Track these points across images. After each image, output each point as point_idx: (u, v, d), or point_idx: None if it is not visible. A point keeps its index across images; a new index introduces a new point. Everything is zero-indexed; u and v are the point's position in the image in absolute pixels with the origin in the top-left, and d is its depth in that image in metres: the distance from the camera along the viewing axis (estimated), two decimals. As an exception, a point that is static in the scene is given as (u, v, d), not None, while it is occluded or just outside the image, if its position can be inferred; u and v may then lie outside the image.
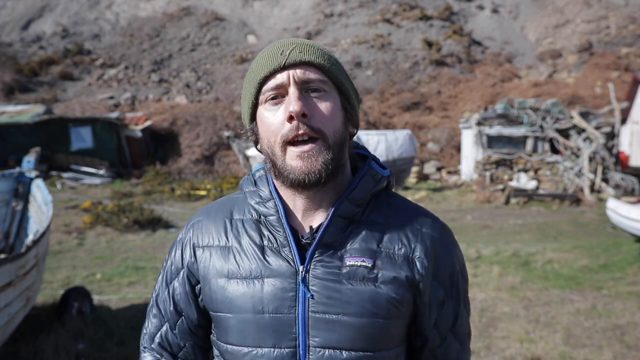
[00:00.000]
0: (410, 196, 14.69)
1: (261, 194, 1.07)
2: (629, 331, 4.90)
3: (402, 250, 1.03)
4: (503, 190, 14.90)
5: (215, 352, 1.09)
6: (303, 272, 1.00)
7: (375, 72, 29.91)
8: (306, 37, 36.45)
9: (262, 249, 1.03)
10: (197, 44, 36.04)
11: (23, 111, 20.22)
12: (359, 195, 1.04)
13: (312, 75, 0.99)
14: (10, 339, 4.23)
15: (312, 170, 0.97)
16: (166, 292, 1.14)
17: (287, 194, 1.05)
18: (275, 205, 1.04)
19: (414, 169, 18.40)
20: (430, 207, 13.65)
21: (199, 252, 1.09)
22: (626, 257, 7.80)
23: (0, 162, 16.45)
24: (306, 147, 0.97)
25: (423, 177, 19.34)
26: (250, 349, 1.01)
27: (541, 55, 33.56)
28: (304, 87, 0.99)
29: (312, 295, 0.99)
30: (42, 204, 5.65)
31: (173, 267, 1.13)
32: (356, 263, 1.01)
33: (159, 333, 1.15)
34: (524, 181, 15.32)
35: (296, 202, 1.04)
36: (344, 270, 1.00)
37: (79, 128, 19.36)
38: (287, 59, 0.98)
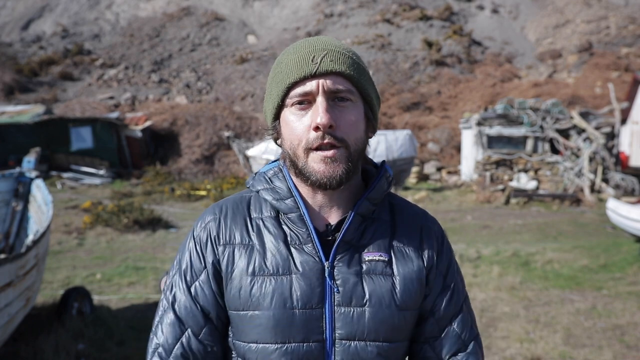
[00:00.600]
0: (410, 196, 14.70)
1: (279, 191, 1.08)
2: (629, 331, 4.90)
3: (412, 245, 1.10)
4: (503, 190, 14.90)
5: (233, 354, 1.08)
6: (329, 268, 1.04)
7: (375, 72, 29.91)
8: (306, 37, 36.42)
9: (286, 246, 1.05)
10: (197, 44, 36.05)
11: (23, 111, 20.23)
12: (376, 195, 1.09)
13: (341, 85, 1.01)
14: (10, 339, 4.23)
15: (334, 176, 1.01)
16: (188, 297, 1.07)
17: (305, 191, 1.08)
18: (296, 202, 1.06)
19: (414, 169, 18.40)
20: (430, 207, 13.65)
21: (220, 249, 1.07)
22: (626, 257, 7.80)
23: (0, 162, 16.45)
24: (330, 153, 1.00)
25: (423, 177, 19.34)
26: (279, 345, 1.02)
27: (541, 55, 33.56)
28: (332, 96, 1.01)
29: (338, 289, 1.03)
30: (42, 204, 5.65)
31: (192, 269, 1.08)
32: (374, 258, 1.07)
33: (180, 343, 1.06)
34: (524, 181, 15.32)
35: (315, 199, 1.08)
36: (365, 265, 1.06)
37: (79, 128, 19.36)
38: (318, 68, 0.99)
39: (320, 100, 0.99)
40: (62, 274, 7.14)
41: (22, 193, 6.02)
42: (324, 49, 1.01)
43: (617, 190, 14.84)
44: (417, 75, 29.81)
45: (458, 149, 20.36)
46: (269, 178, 1.11)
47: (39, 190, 5.85)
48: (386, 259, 1.07)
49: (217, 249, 1.07)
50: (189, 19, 39.10)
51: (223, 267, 1.06)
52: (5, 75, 27.00)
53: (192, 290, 1.08)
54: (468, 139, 17.88)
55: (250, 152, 16.04)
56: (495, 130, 16.55)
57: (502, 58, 33.26)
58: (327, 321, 1.03)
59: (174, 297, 1.09)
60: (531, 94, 23.37)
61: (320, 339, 1.02)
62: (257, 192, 1.11)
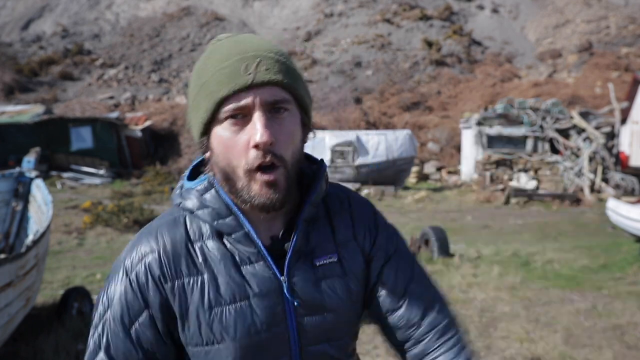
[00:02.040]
0: (410, 196, 14.70)
1: (217, 210, 0.97)
2: (629, 331, 4.90)
3: (350, 235, 1.07)
4: (503, 190, 14.90)
5: None
6: (286, 283, 0.99)
7: (375, 72, 29.92)
8: (306, 37, 36.49)
9: (237, 269, 0.98)
10: (197, 44, 36.04)
11: (23, 111, 20.23)
12: (317, 198, 1.03)
13: (277, 96, 0.92)
14: (10, 339, 4.22)
15: (277, 199, 0.94)
16: (127, 341, 0.96)
17: (243, 207, 0.98)
18: (237, 219, 0.97)
19: (414, 169, 18.41)
20: (430, 207, 13.67)
21: (168, 287, 0.96)
22: (626, 257, 7.80)
23: (0, 162, 16.45)
24: (272, 177, 0.92)
25: (423, 177, 19.34)
26: None
27: (541, 55, 33.56)
28: (268, 108, 0.92)
29: (299, 303, 0.99)
30: (42, 204, 5.65)
31: (129, 310, 0.96)
32: (325, 262, 1.03)
33: None
34: (524, 181, 15.32)
35: (254, 214, 0.98)
36: (318, 272, 1.03)
37: (79, 128, 19.37)
38: (253, 79, 0.90)
39: (257, 115, 0.90)
40: (62, 274, 7.14)
41: (22, 193, 6.02)
42: (255, 56, 0.91)
43: (617, 190, 14.84)
44: (417, 75, 29.81)
45: (458, 148, 20.37)
46: (202, 195, 0.99)
47: (39, 190, 5.85)
48: (335, 259, 1.04)
49: (164, 288, 0.96)
50: (189, 19, 39.10)
51: (176, 306, 0.96)
52: (5, 75, 27.00)
53: (132, 333, 0.96)
54: (468, 138, 17.89)
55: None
56: (495, 130, 16.56)
57: (502, 58, 33.26)
58: (292, 335, 1.00)
59: (108, 341, 0.96)
60: (531, 93, 23.38)
61: (287, 353, 1.00)
62: (191, 212, 0.99)
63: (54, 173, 18.13)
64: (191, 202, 0.99)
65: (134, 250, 1.00)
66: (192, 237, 0.99)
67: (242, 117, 0.91)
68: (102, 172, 18.44)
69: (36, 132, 18.56)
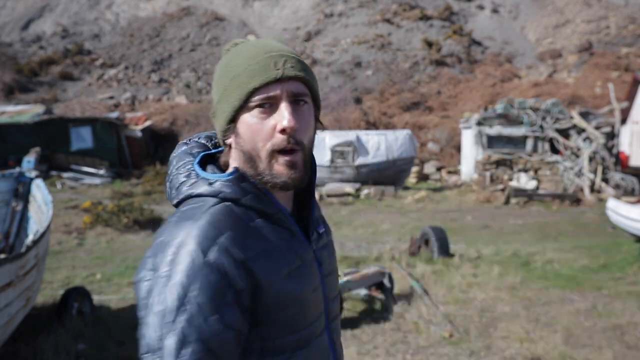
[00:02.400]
0: (410, 196, 14.70)
1: (257, 195, 1.07)
2: (629, 331, 4.90)
3: (318, 212, 1.25)
4: (503, 190, 14.90)
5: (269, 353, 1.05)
6: (314, 252, 1.16)
7: (375, 72, 29.92)
8: (306, 37, 36.50)
9: (287, 243, 1.09)
10: (197, 44, 36.04)
11: (23, 111, 20.23)
12: (315, 178, 1.19)
13: (300, 90, 1.07)
14: (10, 339, 4.22)
15: (296, 178, 1.06)
16: (219, 324, 0.94)
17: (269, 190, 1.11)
18: (271, 201, 1.09)
19: (414, 169, 18.40)
20: (430, 207, 13.66)
21: (244, 262, 0.99)
22: (626, 257, 7.80)
23: (0, 162, 16.45)
24: (293, 157, 1.05)
25: (423, 177, 19.33)
26: (310, 326, 1.11)
27: (541, 55, 33.57)
28: (292, 100, 1.05)
29: (322, 267, 1.19)
30: (42, 204, 5.65)
31: (216, 293, 0.95)
32: (322, 231, 1.22)
33: None
34: (524, 181, 15.31)
35: (275, 194, 1.10)
36: (323, 239, 1.21)
37: (79, 128, 19.36)
38: (282, 74, 1.04)
39: (285, 105, 1.04)
40: (62, 274, 7.14)
41: (22, 193, 6.02)
42: (282, 55, 1.06)
43: (617, 190, 14.84)
44: (417, 75, 29.81)
45: (458, 148, 20.36)
46: (240, 184, 1.05)
47: (39, 190, 5.86)
48: (324, 229, 1.23)
49: (242, 264, 0.99)
50: (189, 19, 39.10)
51: (262, 279, 1.01)
52: (5, 75, 27.00)
53: (223, 315, 0.95)
54: (468, 138, 17.89)
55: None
56: (495, 130, 16.55)
57: (502, 58, 33.26)
58: (324, 295, 1.17)
59: (198, 330, 0.92)
60: (531, 93, 23.38)
61: (323, 309, 1.16)
62: (234, 200, 1.04)
63: (54, 173, 18.13)
64: (233, 192, 1.04)
65: (200, 237, 0.98)
66: (246, 221, 1.05)
67: (269, 106, 1.04)
68: (102, 172, 18.44)
69: (36, 132, 18.56)
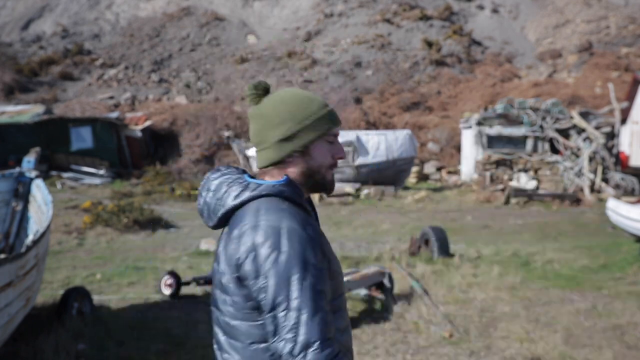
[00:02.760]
0: (410, 196, 14.70)
1: (301, 194, 1.47)
2: (629, 331, 4.90)
3: None
4: (503, 190, 14.90)
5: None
6: None
7: (375, 72, 29.91)
8: (306, 37, 36.49)
9: (322, 233, 1.47)
10: (197, 44, 36.04)
11: (23, 111, 20.21)
12: None
13: None
14: (10, 339, 4.22)
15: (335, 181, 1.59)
16: (328, 281, 1.35)
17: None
18: (305, 199, 1.50)
19: (414, 169, 18.39)
20: (430, 207, 13.66)
21: (321, 239, 1.42)
22: (626, 257, 7.79)
23: (0, 162, 16.44)
24: (334, 172, 1.56)
25: (423, 177, 19.33)
26: (343, 294, 1.49)
27: (541, 55, 33.57)
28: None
29: None
30: (42, 204, 5.64)
31: (321, 259, 1.35)
32: None
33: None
34: (524, 181, 15.31)
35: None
36: None
37: (79, 128, 19.35)
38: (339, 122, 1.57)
39: (339, 141, 1.55)
40: (62, 274, 7.13)
41: (22, 193, 6.02)
42: (332, 108, 1.57)
43: (617, 190, 14.83)
44: (417, 75, 29.80)
45: (458, 148, 20.36)
46: (294, 189, 1.45)
47: (39, 190, 5.85)
48: None
49: (322, 240, 1.42)
50: (188, 18, 39.10)
51: (324, 251, 1.38)
52: (5, 75, 26.99)
53: (327, 274, 1.36)
54: (468, 138, 17.88)
55: (250, 152, 16.04)
56: (495, 130, 16.55)
57: (502, 58, 33.25)
58: None
59: (322, 283, 1.31)
60: (531, 93, 23.37)
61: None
62: (290, 197, 1.42)
63: (54, 173, 18.12)
64: (290, 192, 1.43)
65: (295, 220, 1.35)
66: (303, 214, 1.43)
67: (333, 139, 1.52)
68: (102, 172, 18.43)
69: (36, 132, 18.54)
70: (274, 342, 1.26)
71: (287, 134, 1.43)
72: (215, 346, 1.43)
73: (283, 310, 1.24)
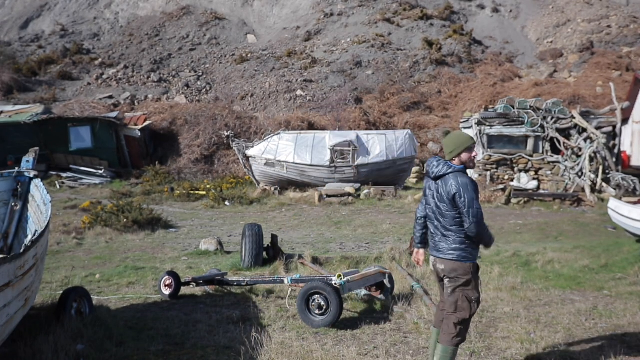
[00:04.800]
0: (410, 196, 14.68)
1: (464, 171, 3.81)
2: (630, 331, 4.88)
3: None
4: (504, 190, 14.89)
5: None
6: None
7: (375, 72, 29.89)
8: (306, 36, 36.47)
9: None
10: (197, 43, 36.02)
11: (22, 111, 20.20)
12: None
13: None
14: (9, 339, 4.20)
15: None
16: (478, 201, 3.71)
17: None
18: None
19: (414, 169, 18.38)
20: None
21: (477, 190, 3.87)
22: (627, 258, 7.78)
23: (-1, 161, 16.42)
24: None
25: (423, 177, 19.29)
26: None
27: (542, 54, 33.55)
28: None
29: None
30: (41, 203, 5.62)
31: (477, 194, 3.71)
32: None
33: None
34: (525, 181, 15.29)
35: None
36: None
37: (78, 128, 19.34)
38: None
39: (475, 153, 3.88)
40: (61, 274, 7.12)
41: (21, 193, 5.99)
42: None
43: (618, 190, 14.81)
44: (418, 74, 29.79)
45: (458, 148, 20.31)
46: (463, 168, 3.76)
47: (38, 190, 5.83)
48: None
49: (476, 188, 3.80)
50: (188, 18, 39.09)
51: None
52: (4, 74, 26.97)
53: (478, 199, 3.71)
54: (468, 138, 17.83)
55: (250, 152, 16.02)
56: (496, 129, 16.52)
57: (503, 57, 33.24)
58: None
59: (477, 201, 3.65)
60: (532, 93, 23.35)
61: None
62: (463, 171, 3.77)
63: (53, 173, 18.11)
64: (464, 170, 3.76)
65: (467, 179, 3.69)
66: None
67: (470, 151, 3.78)
68: (101, 172, 18.42)
69: (35, 132, 18.53)
70: (463, 217, 3.62)
71: (452, 149, 3.74)
72: (432, 231, 3.84)
73: (467, 208, 3.58)
